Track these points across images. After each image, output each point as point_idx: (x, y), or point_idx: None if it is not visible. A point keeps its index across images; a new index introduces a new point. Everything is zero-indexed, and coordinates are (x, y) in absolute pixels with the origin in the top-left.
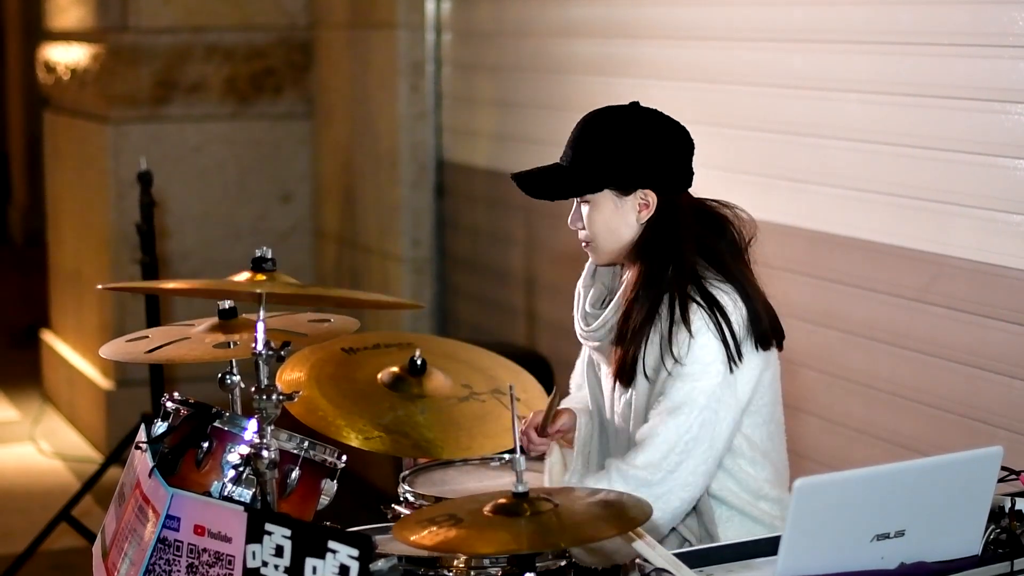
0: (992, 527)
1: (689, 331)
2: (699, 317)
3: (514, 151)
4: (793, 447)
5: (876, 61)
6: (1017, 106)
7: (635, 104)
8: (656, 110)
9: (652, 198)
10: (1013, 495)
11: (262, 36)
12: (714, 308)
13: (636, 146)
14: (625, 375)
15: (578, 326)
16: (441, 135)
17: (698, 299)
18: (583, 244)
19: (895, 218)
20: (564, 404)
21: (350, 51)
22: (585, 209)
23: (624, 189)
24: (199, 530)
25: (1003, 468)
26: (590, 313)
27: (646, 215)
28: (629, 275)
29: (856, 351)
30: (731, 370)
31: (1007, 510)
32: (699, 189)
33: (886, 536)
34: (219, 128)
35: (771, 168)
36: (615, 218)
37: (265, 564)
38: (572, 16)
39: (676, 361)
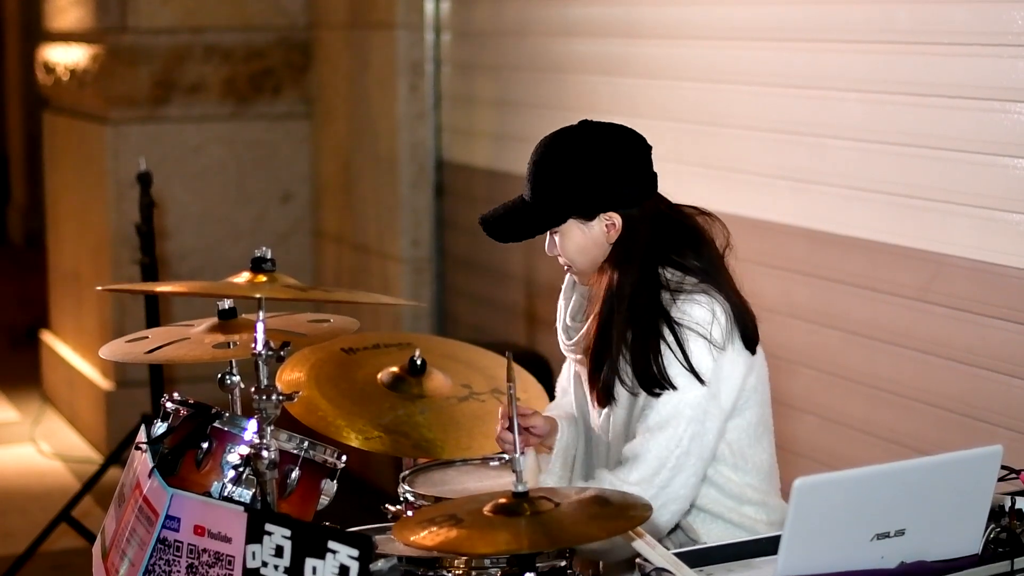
0: (992, 526)
1: (670, 346)
2: (684, 332)
3: (513, 151)
4: (793, 447)
5: (876, 61)
6: (1017, 105)
7: (584, 123)
8: (605, 124)
9: (617, 219)
10: (1013, 494)
11: (261, 36)
12: (696, 320)
13: (590, 172)
14: (600, 395)
15: (560, 338)
16: (440, 135)
17: (674, 311)
18: (565, 268)
19: (895, 218)
20: (549, 411)
21: (349, 51)
22: (557, 239)
23: (587, 216)
24: (199, 530)
25: (1003, 467)
26: (571, 326)
27: (615, 235)
28: (594, 289)
29: (856, 351)
30: (715, 378)
31: (1007, 509)
32: (699, 189)
33: (886, 535)
34: (218, 128)
35: (771, 168)
36: (586, 242)
37: (265, 564)
38: (572, 16)
39: (661, 376)
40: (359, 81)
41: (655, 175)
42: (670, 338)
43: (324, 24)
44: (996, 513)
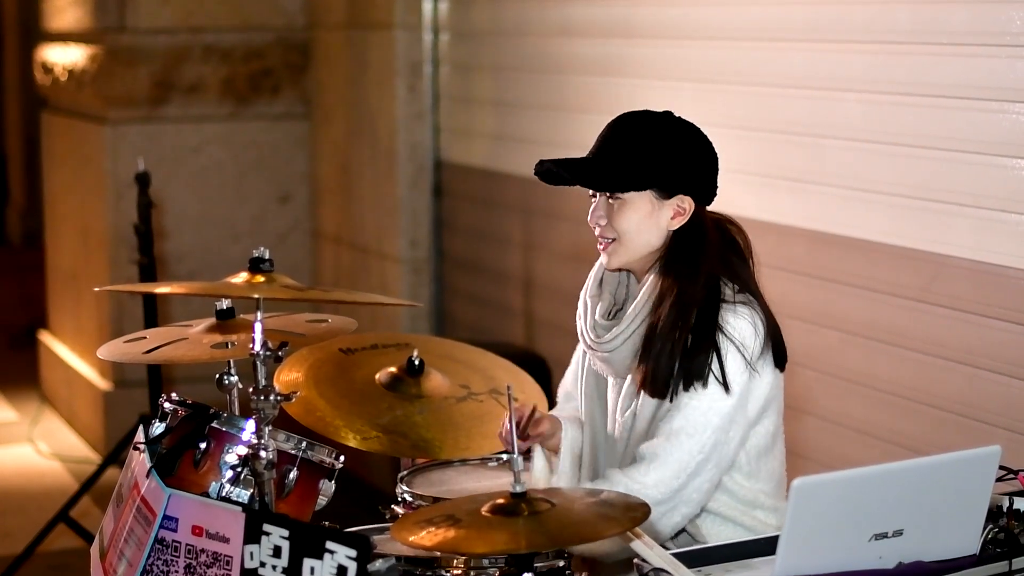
0: (990, 526)
1: (716, 354)
2: (724, 341)
3: (512, 151)
4: (792, 447)
5: (876, 61)
6: (1016, 106)
7: (669, 113)
8: (690, 122)
9: (689, 205)
10: (1011, 494)
11: (260, 37)
12: (738, 331)
13: (681, 151)
14: (653, 387)
15: (586, 337)
16: (439, 135)
17: (725, 322)
18: (602, 243)
19: (895, 218)
20: (552, 414)
21: (348, 51)
22: (616, 206)
23: (666, 192)
24: (197, 531)
25: (1001, 467)
26: (600, 324)
27: (679, 222)
28: (652, 285)
29: (855, 351)
30: (746, 390)
31: (1005, 509)
32: None
33: (884, 535)
34: (217, 129)
35: (771, 168)
36: (648, 220)
37: (263, 565)
38: (571, 16)
39: (702, 382)
40: (358, 81)
41: (717, 188)
42: (710, 347)
43: (322, 24)
44: (994, 513)
